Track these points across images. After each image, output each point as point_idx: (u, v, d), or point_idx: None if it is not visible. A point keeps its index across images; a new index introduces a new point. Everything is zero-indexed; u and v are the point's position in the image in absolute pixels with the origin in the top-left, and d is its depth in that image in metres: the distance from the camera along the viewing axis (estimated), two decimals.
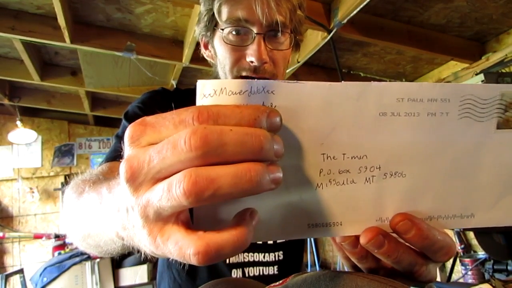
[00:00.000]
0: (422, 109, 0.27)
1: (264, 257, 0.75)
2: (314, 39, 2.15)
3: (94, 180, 0.45)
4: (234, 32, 0.64)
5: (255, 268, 0.74)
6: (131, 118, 0.73)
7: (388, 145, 0.27)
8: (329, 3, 1.95)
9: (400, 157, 0.27)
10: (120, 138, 0.72)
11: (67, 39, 2.11)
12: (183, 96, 0.80)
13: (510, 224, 0.31)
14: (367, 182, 0.28)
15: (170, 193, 0.23)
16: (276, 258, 0.76)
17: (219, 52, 0.68)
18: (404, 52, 2.38)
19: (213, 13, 0.64)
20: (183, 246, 0.23)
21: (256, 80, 0.26)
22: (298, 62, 2.36)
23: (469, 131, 0.28)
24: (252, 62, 0.64)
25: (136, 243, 0.29)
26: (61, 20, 1.92)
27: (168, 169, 0.23)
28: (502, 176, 0.30)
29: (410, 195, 0.29)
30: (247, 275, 0.74)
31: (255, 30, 0.63)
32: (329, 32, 1.97)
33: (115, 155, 0.67)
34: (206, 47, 0.75)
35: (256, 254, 0.75)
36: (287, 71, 2.62)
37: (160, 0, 1.92)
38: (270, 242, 0.76)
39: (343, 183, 0.27)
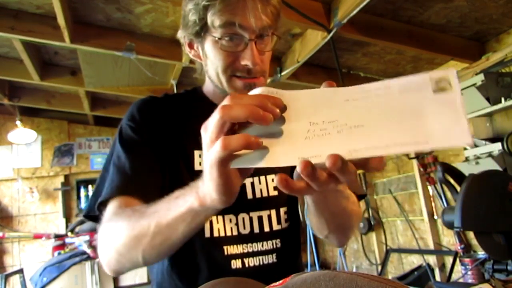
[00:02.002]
0: (373, 94, 0.41)
1: (262, 246, 0.77)
2: (314, 39, 2.15)
3: (142, 208, 0.61)
4: (228, 38, 0.70)
5: (254, 258, 0.76)
6: (126, 144, 0.76)
7: (352, 113, 0.41)
8: (329, 3, 1.95)
9: (360, 117, 0.40)
10: (117, 167, 0.73)
11: (67, 39, 2.11)
12: (172, 102, 0.85)
13: (462, 144, 0.38)
14: (339, 133, 0.41)
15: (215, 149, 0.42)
16: (274, 246, 0.78)
17: (212, 55, 0.74)
18: (404, 52, 2.38)
19: (206, 22, 0.70)
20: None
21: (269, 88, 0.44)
22: (298, 62, 2.36)
23: (412, 96, 0.39)
24: (246, 65, 0.72)
25: (208, 200, 0.48)
26: (60, 20, 1.92)
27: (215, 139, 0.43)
28: (445, 115, 0.39)
29: (370, 136, 0.40)
30: (246, 265, 0.75)
31: (247, 35, 0.70)
32: (329, 32, 1.97)
33: (121, 188, 0.70)
34: (191, 47, 0.80)
35: (254, 244, 0.77)
36: (287, 71, 2.63)
37: (160, 0, 1.92)
38: (267, 229, 0.78)
39: (323, 135, 0.41)
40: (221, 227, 0.76)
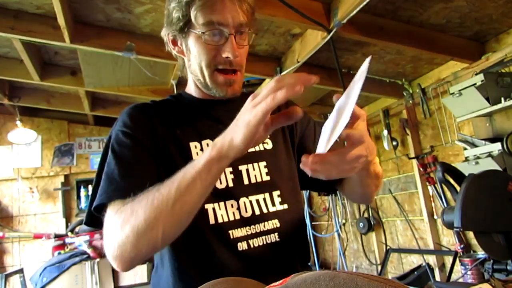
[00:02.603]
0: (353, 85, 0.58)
1: (264, 226, 0.83)
2: (314, 39, 2.15)
3: (157, 185, 0.65)
4: (210, 33, 0.78)
5: (258, 238, 0.82)
6: (119, 149, 0.79)
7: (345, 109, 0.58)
8: (329, 3, 1.95)
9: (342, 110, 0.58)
10: (108, 174, 0.76)
11: (67, 39, 2.11)
12: (161, 106, 0.91)
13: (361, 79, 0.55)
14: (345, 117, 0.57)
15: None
16: (274, 226, 0.84)
17: (195, 50, 0.81)
18: (404, 52, 2.38)
19: (189, 18, 0.77)
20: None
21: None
22: (298, 62, 2.36)
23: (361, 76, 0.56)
24: (228, 57, 0.79)
25: (226, 147, 0.60)
26: (60, 20, 1.92)
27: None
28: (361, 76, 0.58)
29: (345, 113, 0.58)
30: (252, 246, 0.80)
31: (227, 31, 0.78)
32: (328, 32, 1.97)
33: (118, 191, 0.73)
34: (175, 44, 0.87)
35: (256, 225, 0.82)
36: (287, 71, 2.62)
37: (160, 0, 1.92)
38: (265, 211, 0.84)
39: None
40: (224, 213, 0.80)
